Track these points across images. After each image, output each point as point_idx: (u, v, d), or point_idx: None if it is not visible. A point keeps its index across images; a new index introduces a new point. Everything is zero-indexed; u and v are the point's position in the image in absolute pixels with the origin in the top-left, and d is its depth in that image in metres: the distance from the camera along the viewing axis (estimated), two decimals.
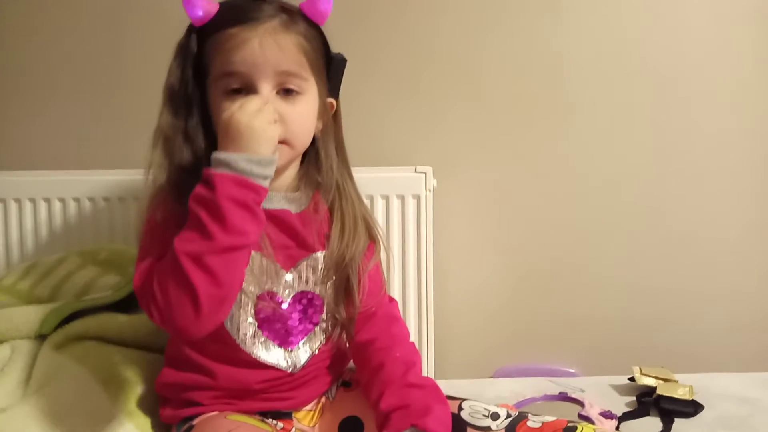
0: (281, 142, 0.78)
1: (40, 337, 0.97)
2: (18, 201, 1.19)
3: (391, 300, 0.98)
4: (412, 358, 0.88)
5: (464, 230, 1.30)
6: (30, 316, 0.99)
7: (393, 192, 1.17)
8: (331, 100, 0.88)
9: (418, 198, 1.17)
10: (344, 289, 0.89)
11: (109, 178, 1.20)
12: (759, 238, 1.30)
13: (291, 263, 0.86)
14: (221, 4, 0.81)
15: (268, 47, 0.77)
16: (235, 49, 0.77)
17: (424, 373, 1.16)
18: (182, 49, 0.82)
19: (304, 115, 0.82)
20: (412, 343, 0.92)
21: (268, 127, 0.74)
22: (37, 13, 1.28)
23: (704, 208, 1.30)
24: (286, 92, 0.80)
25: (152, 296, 0.72)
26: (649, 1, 1.25)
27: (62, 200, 1.19)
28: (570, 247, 1.31)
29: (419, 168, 1.19)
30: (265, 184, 0.74)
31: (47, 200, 1.19)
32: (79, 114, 1.30)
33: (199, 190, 0.72)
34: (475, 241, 1.31)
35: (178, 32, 1.23)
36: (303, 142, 0.84)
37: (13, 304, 1.04)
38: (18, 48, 1.29)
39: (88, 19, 1.28)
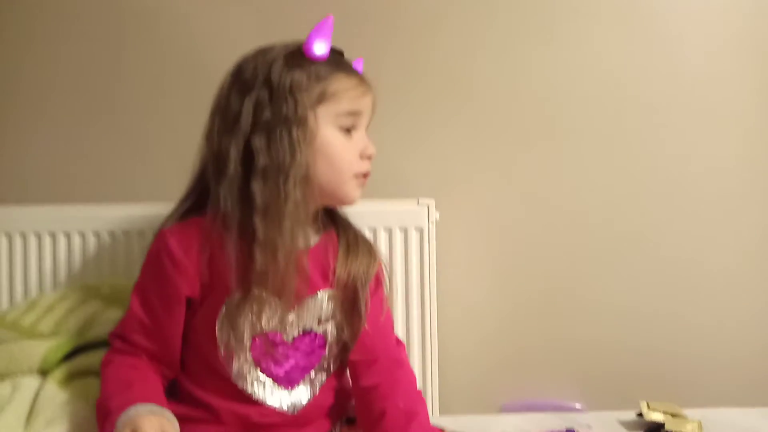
0: (365, 175, 0.90)
1: (42, 374, 0.96)
2: (23, 235, 1.19)
3: (399, 343, 0.97)
4: (415, 407, 0.86)
5: (468, 262, 1.30)
6: (32, 351, 0.98)
7: (396, 225, 1.17)
8: None
9: (421, 230, 1.17)
10: (352, 309, 0.89)
11: (113, 212, 1.20)
12: (760, 263, 1.30)
13: (296, 302, 0.87)
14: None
15: (371, 99, 0.90)
16: (363, 94, 0.88)
17: (429, 411, 1.16)
18: (304, 81, 0.84)
19: None
20: (418, 392, 0.91)
21: None
22: (39, 45, 1.31)
23: (702, 233, 1.29)
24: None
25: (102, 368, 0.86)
26: (644, 29, 1.27)
27: (67, 234, 1.19)
28: (574, 277, 1.30)
29: (422, 200, 1.20)
30: None
31: (52, 234, 1.19)
32: (85, 148, 1.31)
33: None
34: (479, 273, 1.31)
35: (181, 66, 1.28)
36: None
37: (15, 340, 1.03)
38: (20, 82, 1.31)
39: (90, 52, 1.30)
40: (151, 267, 0.86)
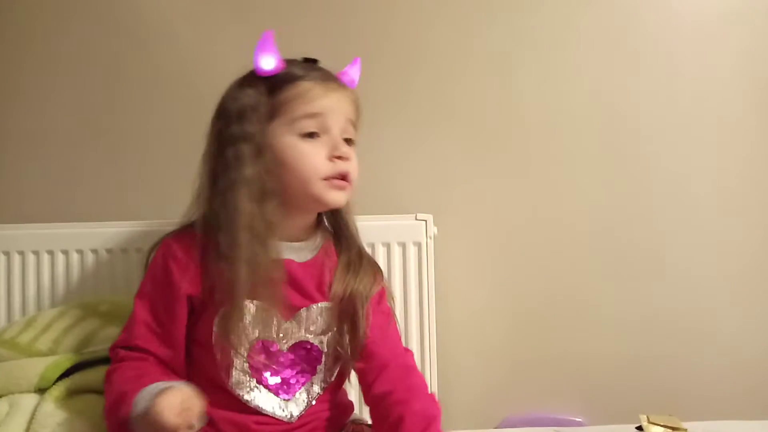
0: (348, 179, 0.88)
1: (40, 392, 0.96)
2: (21, 254, 1.20)
3: (407, 350, 0.97)
4: (433, 411, 0.86)
5: (466, 276, 1.30)
6: (29, 369, 0.98)
7: (394, 240, 1.18)
8: None
9: (419, 245, 1.18)
10: (351, 325, 0.90)
11: (112, 230, 1.20)
12: (761, 275, 1.30)
13: (290, 313, 0.87)
14: (287, 61, 0.89)
15: (344, 98, 0.89)
16: (322, 96, 0.87)
17: None
18: (254, 98, 0.87)
19: (356, 160, 0.90)
20: (432, 395, 0.91)
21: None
22: (37, 64, 1.32)
23: (704, 245, 1.31)
24: (346, 140, 0.89)
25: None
26: (642, 49, 1.30)
27: (65, 252, 1.20)
28: (573, 293, 1.31)
29: (419, 216, 1.20)
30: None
31: (50, 252, 1.19)
32: (83, 166, 1.32)
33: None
34: (477, 287, 1.31)
35: (181, 86, 1.28)
36: (355, 183, 0.91)
37: (12, 358, 1.03)
38: (18, 98, 1.32)
39: (88, 71, 1.31)
40: (157, 272, 0.87)
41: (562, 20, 1.30)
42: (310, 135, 0.86)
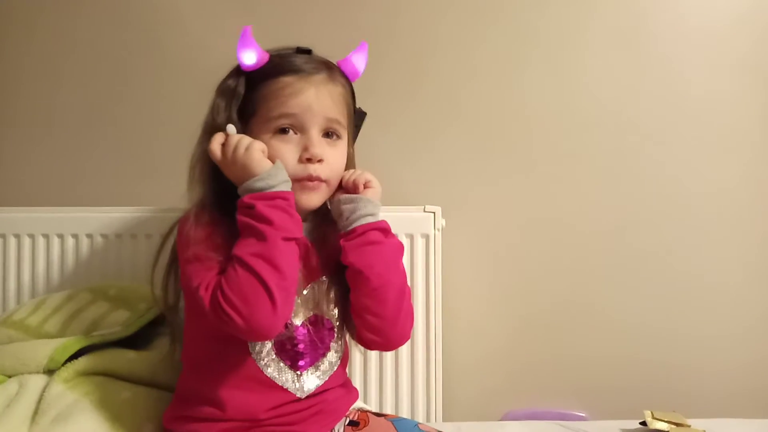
0: (323, 180, 0.87)
1: (49, 373, 0.97)
2: (32, 237, 1.21)
3: None
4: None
5: (473, 269, 1.30)
6: (38, 351, 0.99)
7: (402, 231, 1.18)
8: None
9: (426, 237, 1.18)
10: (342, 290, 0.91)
11: (121, 215, 1.21)
12: (760, 279, 1.30)
13: (301, 286, 0.88)
14: (272, 55, 0.88)
15: (322, 96, 0.87)
16: (293, 95, 0.86)
17: (432, 417, 1.16)
18: (229, 90, 0.88)
19: (340, 157, 0.90)
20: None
21: (255, 152, 0.82)
22: (39, 52, 1.33)
23: (704, 248, 1.30)
24: (328, 136, 0.89)
25: (230, 304, 0.77)
26: (648, 51, 1.29)
27: (75, 236, 1.21)
28: (578, 288, 1.31)
29: (428, 208, 1.20)
30: (285, 187, 0.82)
31: (61, 236, 1.21)
32: (95, 153, 1.33)
33: (241, 214, 0.81)
34: (484, 280, 1.31)
35: (181, 76, 1.29)
36: (337, 180, 0.91)
37: (22, 339, 1.04)
38: (23, 84, 1.33)
39: (91, 60, 1.32)
40: (195, 232, 0.84)
41: (570, 21, 1.30)
42: (285, 133, 0.86)
